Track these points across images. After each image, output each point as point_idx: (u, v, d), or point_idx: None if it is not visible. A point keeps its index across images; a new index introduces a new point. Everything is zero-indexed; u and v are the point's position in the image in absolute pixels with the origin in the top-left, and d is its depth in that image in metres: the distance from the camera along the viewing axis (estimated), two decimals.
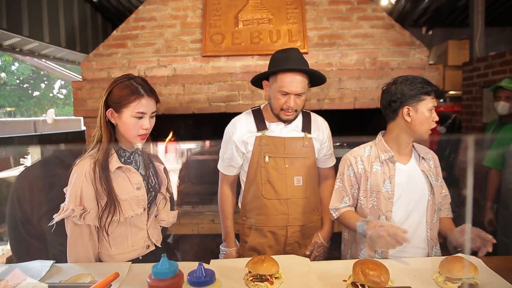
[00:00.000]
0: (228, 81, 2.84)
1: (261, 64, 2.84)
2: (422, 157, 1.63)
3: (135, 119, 1.41)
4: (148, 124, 1.44)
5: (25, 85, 12.84)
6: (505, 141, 2.68)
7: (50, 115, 5.76)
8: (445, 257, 1.32)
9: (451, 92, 4.85)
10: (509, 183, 2.61)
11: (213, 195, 3.23)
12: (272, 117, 1.77)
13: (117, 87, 1.42)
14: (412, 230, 1.59)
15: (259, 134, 1.76)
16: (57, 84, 13.78)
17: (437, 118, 1.54)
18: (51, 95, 13.86)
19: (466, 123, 4.10)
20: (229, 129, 1.83)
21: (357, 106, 2.82)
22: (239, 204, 1.91)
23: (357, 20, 2.96)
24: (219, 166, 1.90)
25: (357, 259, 1.27)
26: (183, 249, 3.17)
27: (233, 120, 1.84)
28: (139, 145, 1.52)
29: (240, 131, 1.78)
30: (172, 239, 3.07)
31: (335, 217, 1.71)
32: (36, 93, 13.33)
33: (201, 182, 3.45)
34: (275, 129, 1.77)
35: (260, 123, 1.78)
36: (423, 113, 1.51)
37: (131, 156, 1.53)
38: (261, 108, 1.84)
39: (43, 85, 13.50)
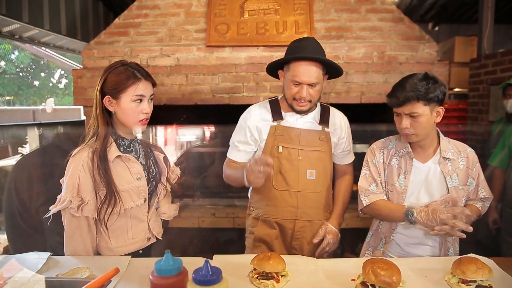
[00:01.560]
0: (232, 72, 2.78)
1: (267, 56, 2.78)
2: (446, 158, 1.56)
3: (135, 103, 1.38)
4: (148, 107, 1.41)
5: (24, 74, 12.75)
6: (511, 140, 2.63)
7: (49, 104, 5.68)
8: (457, 257, 1.27)
9: (456, 89, 4.79)
10: None
11: (214, 188, 3.20)
12: (288, 108, 1.73)
13: (112, 74, 1.38)
14: (424, 230, 1.55)
15: (275, 124, 1.72)
16: (57, 74, 13.68)
17: (401, 125, 1.52)
18: (50, 84, 13.77)
19: (472, 121, 4.04)
20: (244, 115, 1.80)
21: (364, 101, 2.77)
22: (249, 194, 1.87)
23: (365, 12, 2.89)
24: (228, 154, 1.84)
25: (367, 258, 1.22)
26: (181, 242, 3.13)
27: (249, 108, 1.82)
28: (139, 134, 1.47)
29: (255, 117, 1.75)
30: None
31: (365, 204, 1.62)
32: (35, 82, 13.23)
33: (202, 174, 3.41)
34: (291, 119, 1.73)
35: (276, 113, 1.74)
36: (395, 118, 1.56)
37: (131, 145, 1.47)
38: (279, 98, 1.81)
39: (43, 74, 13.40)
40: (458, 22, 5.93)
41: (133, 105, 1.37)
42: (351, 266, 1.30)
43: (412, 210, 1.47)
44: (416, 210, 1.46)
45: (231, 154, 1.82)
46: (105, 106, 1.39)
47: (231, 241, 3.13)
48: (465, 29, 5.73)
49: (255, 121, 1.74)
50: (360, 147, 3.22)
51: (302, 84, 1.60)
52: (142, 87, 1.38)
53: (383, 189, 1.64)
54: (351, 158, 1.89)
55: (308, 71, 1.58)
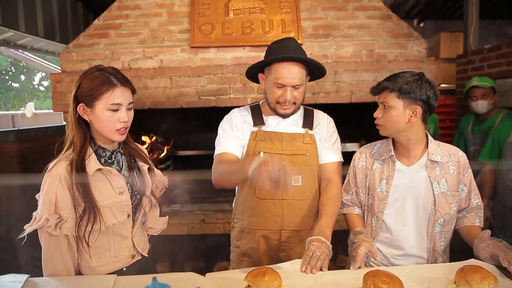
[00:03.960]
0: (218, 74, 2.69)
1: (253, 56, 2.70)
2: (434, 161, 1.46)
3: (110, 112, 1.26)
4: (126, 116, 1.29)
5: (3, 77, 12.35)
6: (501, 136, 2.63)
7: (29, 109, 5.46)
8: (458, 263, 1.22)
9: (443, 85, 4.81)
10: (506, 179, 2.55)
11: (203, 193, 3.12)
12: (270, 112, 1.66)
13: (87, 79, 1.27)
14: (412, 238, 1.49)
15: (255, 129, 1.65)
16: (38, 76, 13.29)
17: (375, 114, 1.50)
18: (31, 87, 13.37)
19: (460, 117, 4.05)
20: (227, 117, 1.71)
21: (354, 100, 2.72)
22: (233, 205, 1.78)
23: (353, 10, 2.84)
24: (218, 150, 1.63)
25: (368, 270, 1.16)
26: (170, 250, 3.03)
27: (230, 112, 1.73)
28: (118, 142, 1.37)
29: (239, 119, 1.67)
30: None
31: (341, 213, 1.67)
32: (15, 85, 12.82)
33: (190, 179, 3.31)
34: (272, 123, 1.66)
35: (257, 118, 1.67)
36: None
37: (112, 156, 1.37)
38: (260, 103, 1.74)
39: (22, 77, 13.00)
40: (443, 18, 5.96)
41: (108, 114, 1.26)
42: (350, 278, 1.24)
43: (351, 237, 1.42)
44: (355, 239, 1.37)
45: (222, 147, 1.62)
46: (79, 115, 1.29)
47: (222, 247, 3.05)
48: (450, 25, 5.77)
49: (240, 123, 1.66)
50: (350, 146, 3.18)
51: (286, 86, 1.53)
52: (118, 94, 1.26)
53: (361, 196, 1.62)
54: (334, 157, 1.67)
55: (291, 72, 1.51)
